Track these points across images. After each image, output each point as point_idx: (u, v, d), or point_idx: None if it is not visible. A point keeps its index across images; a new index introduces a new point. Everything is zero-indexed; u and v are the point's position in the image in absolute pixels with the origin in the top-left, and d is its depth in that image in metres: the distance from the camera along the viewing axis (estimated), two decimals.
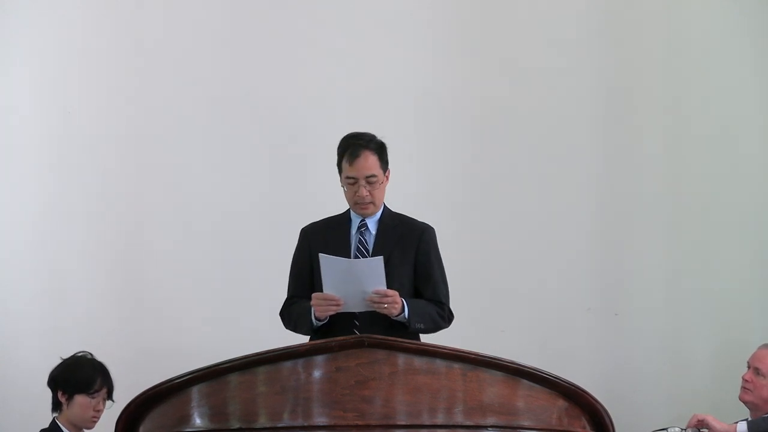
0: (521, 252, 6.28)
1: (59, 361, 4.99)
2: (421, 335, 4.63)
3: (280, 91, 6.24)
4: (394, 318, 4.54)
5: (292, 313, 4.71)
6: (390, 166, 4.73)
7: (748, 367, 5.25)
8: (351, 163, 4.65)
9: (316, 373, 3.84)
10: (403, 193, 5.07)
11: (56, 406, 4.94)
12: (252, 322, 5.91)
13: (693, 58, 6.35)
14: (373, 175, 4.66)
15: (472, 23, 6.35)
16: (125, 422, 4.11)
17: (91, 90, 6.16)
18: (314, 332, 4.58)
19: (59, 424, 4.92)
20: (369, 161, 4.65)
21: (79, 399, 4.90)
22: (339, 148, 4.72)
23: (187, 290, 6.13)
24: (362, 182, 4.65)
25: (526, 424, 3.90)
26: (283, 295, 4.81)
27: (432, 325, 4.68)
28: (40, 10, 6.12)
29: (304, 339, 4.59)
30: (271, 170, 6.24)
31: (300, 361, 3.86)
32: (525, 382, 3.92)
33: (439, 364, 3.86)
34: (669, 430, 4.93)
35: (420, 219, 4.82)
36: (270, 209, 6.17)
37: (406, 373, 3.83)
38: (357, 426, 3.76)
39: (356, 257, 4.67)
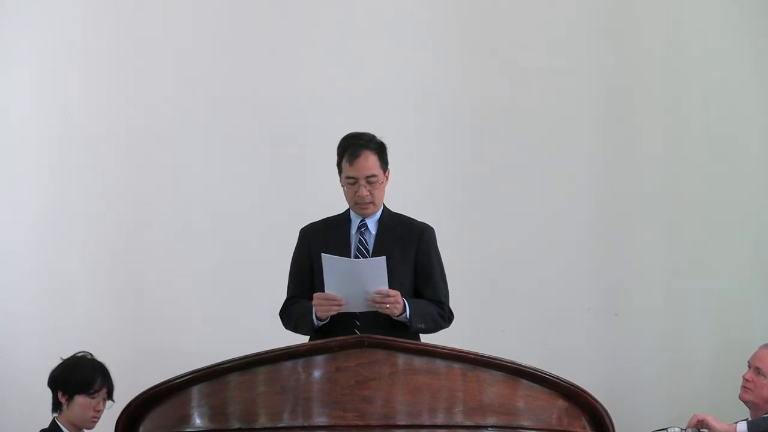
0: (521, 252, 6.28)
1: (59, 361, 4.99)
2: (421, 335, 4.63)
3: (280, 91, 6.24)
4: (396, 318, 4.54)
5: (293, 313, 4.71)
6: (390, 166, 4.73)
7: (749, 367, 5.25)
8: (351, 162, 4.65)
9: (316, 373, 3.84)
10: (403, 193, 5.08)
11: (56, 406, 4.94)
12: (252, 322, 5.91)
13: (693, 58, 6.35)
14: (374, 175, 4.66)
15: (472, 23, 6.35)
16: (125, 422, 4.11)
17: (91, 90, 6.16)
18: (315, 332, 4.58)
19: (59, 424, 4.92)
20: (369, 161, 4.65)
21: (79, 399, 4.90)
22: (339, 148, 4.72)
23: (187, 290, 6.13)
24: (362, 182, 4.65)
25: (526, 424, 3.90)
26: (282, 295, 4.81)
27: (433, 325, 4.69)
28: (40, 10, 6.12)
29: (304, 339, 4.59)
30: (271, 170, 6.24)
31: (300, 361, 3.86)
32: (525, 382, 3.92)
33: (439, 364, 3.86)
34: (669, 430, 4.93)
35: (420, 219, 4.83)
36: (270, 209, 6.17)
37: (406, 373, 3.83)
38: (357, 426, 3.76)
39: (356, 257, 4.67)
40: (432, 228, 4.81)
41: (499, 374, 3.89)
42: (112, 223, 6.14)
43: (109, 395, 4.96)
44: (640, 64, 6.38)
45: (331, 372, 3.83)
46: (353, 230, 4.75)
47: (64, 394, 4.91)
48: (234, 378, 3.90)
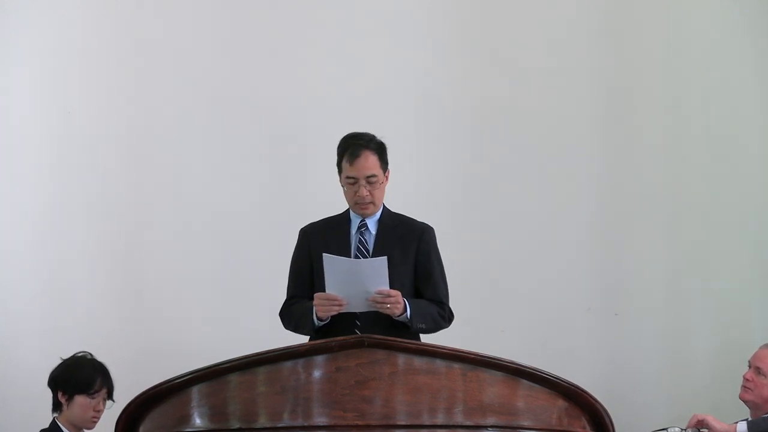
0: (521, 252, 6.28)
1: (59, 361, 4.99)
2: (421, 335, 4.63)
3: (280, 91, 6.24)
4: (396, 318, 4.55)
5: (293, 314, 4.71)
6: (390, 166, 4.73)
7: (749, 367, 5.25)
8: (351, 162, 4.65)
9: (316, 373, 3.84)
10: (403, 193, 5.08)
11: (56, 406, 4.94)
12: (252, 322, 5.91)
13: (693, 58, 6.35)
14: (374, 175, 4.66)
15: (472, 23, 6.35)
16: (125, 422, 4.11)
17: (91, 90, 6.16)
18: (315, 332, 4.58)
19: (59, 424, 4.92)
20: (369, 161, 4.65)
21: (79, 399, 4.90)
22: (339, 147, 4.72)
23: (187, 290, 6.13)
24: (362, 182, 4.65)
25: (526, 424, 3.90)
26: (282, 295, 4.81)
27: (433, 325, 4.69)
28: (40, 10, 6.12)
29: (304, 339, 4.59)
30: (271, 170, 6.24)
31: (300, 361, 3.86)
32: (525, 382, 3.92)
33: (439, 364, 3.86)
34: (669, 430, 4.93)
35: (420, 219, 4.83)
36: (270, 209, 6.17)
37: (406, 373, 3.83)
38: (357, 426, 3.76)
39: (356, 257, 4.67)
40: (432, 228, 4.81)
41: (499, 374, 3.89)
42: (112, 223, 6.14)
43: (109, 395, 4.96)
44: (640, 64, 6.38)
45: (331, 372, 3.83)
46: (353, 230, 4.75)
47: (64, 394, 4.91)
48: (234, 378, 3.90)
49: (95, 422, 4.95)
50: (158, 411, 4.04)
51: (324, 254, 4.48)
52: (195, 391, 3.95)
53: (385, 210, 4.77)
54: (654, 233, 6.32)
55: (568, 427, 4.00)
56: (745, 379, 5.22)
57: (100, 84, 6.16)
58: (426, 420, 3.80)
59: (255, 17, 6.25)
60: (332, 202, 4.85)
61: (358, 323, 4.56)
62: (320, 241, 4.71)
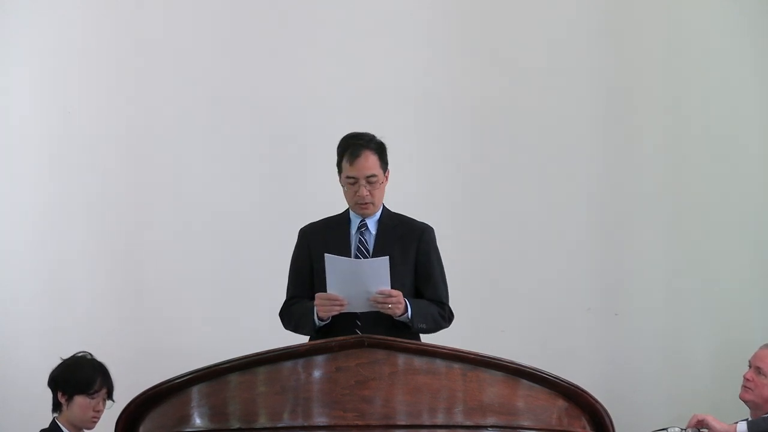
0: (521, 252, 6.28)
1: (59, 361, 4.99)
2: (421, 335, 4.63)
3: (280, 91, 6.24)
4: (397, 318, 4.55)
5: (293, 314, 4.71)
6: (390, 166, 4.73)
7: (750, 366, 5.25)
8: (351, 162, 4.65)
9: (316, 373, 3.84)
10: (403, 193, 5.08)
11: (56, 406, 4.94)
12: (252, 322, 5.91)
13: (693, 58, 6.35)
14: (374, 175, 4.66)
15: (472, 23, 6.35)
16: (125, 422, 4.11)
17: (91, 90, 6.16)
18: (316, 332, 4.58)
19: (59, 424, 4.92)
20: (369, 161, 4.65)
21: (79, 399, 4.90)
22: (339, 147, 4.72)
23: (187, 290, 6.13)
24: (362, 182, 4.65)
25: (526, 424, 3.90)
26: (282, 295, 4.80)
27: (433, 326, 4.69)
28: (40, 10, 6.12)
29: (304, 339, 4.59)
30: (271, 170, 6.24)
31: (300, 361, 3.86)
32: (525, 382, 3.92)
33: (439, 364, 3.86)
34: (669, 430, 4.93)
35: (420, 219, 4.83)
36: (270, 209, 6.17)
37: (406, 373, 3.83)
38: (357, 426, 3.76)
39: (356, 257, 4.67)
40: (432, 228, 4.81)
41: (499, 374, 3.89)
42: (112, 223, 6.14)
43: (109, 395, 4.96)
44: (640, 64, 6.38)
45: (331, 372, 3.83)
46: (353, 230, 4.75)
47: (63, 395, 4.91)
48: (234, 378, 3.90)
49: (95, 422, 4.95)
50: (158, 411, 4.04)
51: (326, 254, 4.48)
52: (195, 391, 3.95)
53: (385, 210, 4.78)
54: (654, 233, 6.32)
55: (568, 427, 4.00)
56: (746, 379, 5.22)
57: (100, 84, 6.16)
58: (426, 420, 3.80)
59: (255, 17, 6.25)
60: (332, 202, 4.85)
61: (359, 323, 4.56)
62: (320, 241, 4.71)
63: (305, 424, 3.80)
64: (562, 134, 6.32)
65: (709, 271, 6.28)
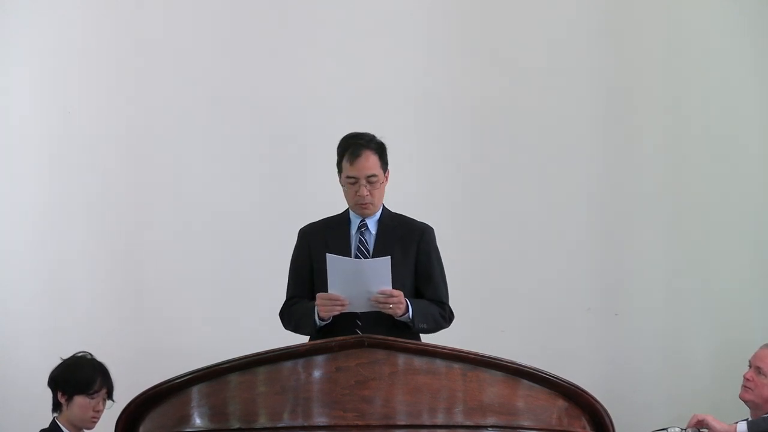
0: (521, 252, 6.28)
1: (59, 361, 4.99)
2: (421, 335, 4.63)
3: (280, 91, 6.24)
4: (398, 318, 4.55)
5: (294, 314, 4.71)
6: (390, 166, 4.73)
7: (750, 366, 5.25)
8: (352, 162, 4.65)
9: (316, 373, 3.84)
10: (403, 193, 5.08)
11: (56, 406, 4.94)
12: (252, 322, 5.91)
13: (693, 58, 6.35)
14: (374, 175, 4.66)
15: (472, 23, 6.35)
16: (125, 422, 4.11)
17: (91, 90, 6.16)
18: (317, 332, 4.58)
19: (59, 424, 4.92)
20: (370, 161, 4.65)
21: (79, 400, 4.89)
22: (339, 147, 4.72)
23: (187, 290, 6.13)
24: (363, 182, 4.65)
25: (526, 424, 3.90)
26: (282, 295, 4.80)
27: (434, 326, 4.69)
28: (40, 10, 6.12)
29: (304, 339, 4.59)
30: (271, 170, 6.24)
31: (300, 361, 3.86)
32: (525, 382, 3.92)
33: (439, 364, 3.86)
34: (669, 430, 4.93)
35: (420, 219, 4.83)
36: (270, 209, 6.17)
37: (406, 373, 3.83)
38: (357, 426, 3.76)
39: (356, 257, 4.67)
40: (432, 228, 4.81)
41: (499, 374, 3.89)
42: (112, 223, 6.14)
43: (109, 395, 4.96)
44: (640, 64, 6.38)
45: (331, 372, 3.83)
46: (353, 230, 4.75)
47: (63, 395, 4.91)
48: (234, 378, 3.90)
49: (95, 422, 4.95)
50: (158, 411, 4.04)
51: (327, 255, 4.48)
52: (195, 391, 3.95)
53: (385, 210, 4.78)
54: (654, 233, 6.32)
55: (568, 427, 4.00)
56: (746, 379, 5.23)
57: (100, 84, 6.16)
58: (426, 420, 3.80)
59: (255, 17, 6.25)
60: (332, 202, 4.85)
61: (359, 323, 4.56)
62: (320, 241, 4.71)
63: (305, 424, 3.80)
64: (562, 134, 6.32)
65: (709, 271, 6.28)
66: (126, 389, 4.53)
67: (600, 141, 6.35)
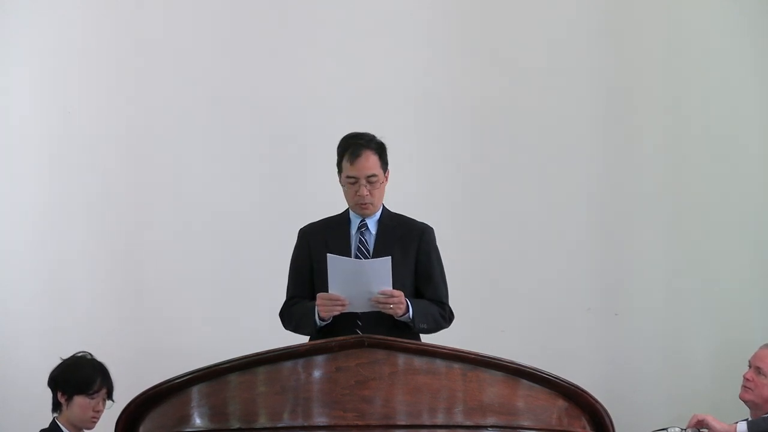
0: (521, 252, 6.28)
1: (59, 361, 4.99)
2: (421, 335, 4.63)
3: (280, 91, 6.24)
4: (399, 318, 4.55)
5: (294, 314, 4.71)
6: (390, 166, 4.73)
7: (750, 367, 5.25)
8: (352, 162, 4.65)
9: (316, 373, 3.84)
10: (403, 193, 5.08)
11: (56, 406, 4.94)
12: (252, 322, 5.91)
13: (693, 58, 6.35)
14: (374, 175, 4.66)
15: (472, 23, 6.35)
16: (125, 422, 4.11)
17: (91, 90, 6.16)
18: (317, 332, 4.58)
19: (59, 424, 4.92)
20: (370, 161, 4.65)
21: (79, 400, 4.89)
22: (339, 147, 4.72)
23: (187, 290, 6.13)
24: (363, 182, 4.65)
25: (526, 424, 3.90)
26: (282, 295, 4.80)
27: (434, 326, 4.69)
28: (40, 10, 6.12)
29: (304, 339, 4.59)
30: (271, 170, 6.24)
31: (300, 361, 3.86)
32: (525, 382, 3.92)
33: (439, 364, 3.86)
34: (669, 430, 4.93)
35: (420, 219, 4.83)
36: (270, 209, 6.17)
37: (406, 373, 3.83)
38: (357, 426, 3.76)
39: (356, 257, 4.67)
40: (432, 228, 4.81)
41: (499, 374, 3.89)
42: (112, 223, 6.14)
43: (109, 395, 4.95)
44: (640, 64, 6.38)
45: (331, 372, 3.83)
46: (353, 230, 4.75)
47: (63, 394, 4.91)
48: (234, 378, 3.90)
49: (95, 422, 4.95)
50: (158, 411, 4.04)
51: (328, 255, 4.48)
52: (195, 391, 3.95)
53: (385, 210, 4.78)
54: (654, 233, 6.32)
55: (568, 427, 4.00)
56: (745, 379, 5.22)
57: (100, 84, 6.16)
58: (426, 420, 3.80)
59: (255, 17, 6.25)
60: (332, 202, 4.85)
61: (360, 323, 4.56)
62: (320, 241, 4.71)
63: (305, 424, 3.80)
64: (562, 134, 6.32)
65: (709, 271, 6.28)
66: (126, 389, 4.53)
67: (600, 141, 6.35)
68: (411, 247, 4.72)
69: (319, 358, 3.85)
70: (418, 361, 3.85)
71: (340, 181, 4.73)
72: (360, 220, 4.74)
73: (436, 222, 4.87)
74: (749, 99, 6.33)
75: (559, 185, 6.31)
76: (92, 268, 6.10)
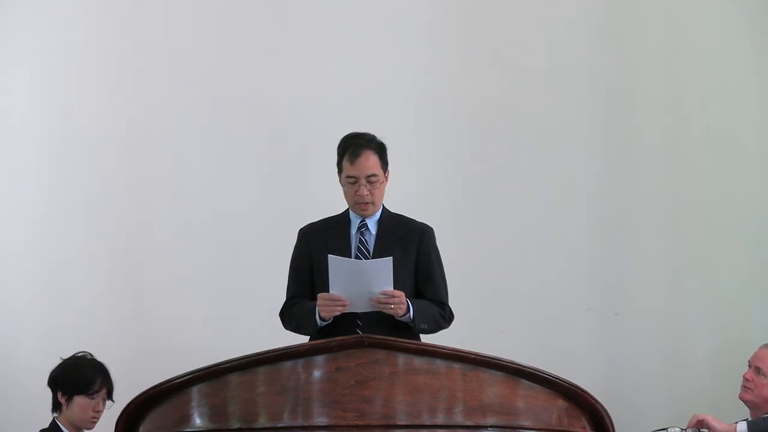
0: (521, 252, 6.28)
1: (59, 361, 4.99)
2: (421, 335, 4.63)
3: (280, 91, 6.24)
4: (399, 318, 4.55)
5: (294, 314, 4.71)
6: (390, 166, 4.73)
7: (749, 367, 5.25)
8: (352, 162, 4.65)
9: (316, 373, 3.84)
10: (403, 193, 5.08)
11: (56, 406, 4.94)
12: (252, 322, 5.91)
13: (693, 58, 6.36)
14: (374, 175, 4.66)
15: (472, 23, 6.35)
16: (125, 422, 4.11)
17: (91, 90, 6.16)
18: (317, 332, 4.58)
19: (59, 424, 4.92)
20: (370, 161, 4.65)
21: (79, 400, 4.89)
22: (339, 147, 4.73)
23: (187, 290, 6.13)
24: (363, 181, 4.65)
25: (526, 424, 3.90)
26: (282, 295, 4.80)
27: (434, 326, 4.69)
28: (40, 10, 6.12)
29: (304, 339, 4.59)
30: (271, 170, 6.24)
31: (300, 361, 3.86)
32: (525, 382, 3.92)
33: (439, 364, 3.86)
34: (669, 430, 4.93)
35: (420, 219, 4.83)
36: (270, 209, 6.18)
37: (406, 373, 3.83)
38: (357, 426, 3.76)
39: (356, 257, 4.67)
40: (431, 228, 4.81)
41: (499, 374, 3.89)
42: (112, 223, 6.14)
43: (109, 395, 4.96)
44: (640, 64, 6.38)
45: (331, 372, 3.83)
46: (353, 230, 4.75)
47: (63, 394, 4.91)
48: (234, 378, 3.90)
49: (95, 422, 4.95)
50: (158, 411, 4.04)
51: (329, 255, 4.48)
52: (195, 391, 3.95)
53: (385, 210, 4.78)
54: (654, 233, 6.32)
55: (568, 427, 4.00)
56: (745, 379, 5.23)
57: (100, 84, 6.16)
58: (426, 420, 3.80)
59: (255, 17, 6.25)
60: (332, 202, 4.85)
61: (360, 323, 4.56)
62: (320, 241, 4.71)
63: (305, 424, 3.80)
64: (562, 134, 6.32)
65: (709, 271, 6.28)
66: (126, 389, 4.53)
67: (600, 141, 6.35)
68: (411, 247, 4.72)
69: (319, 358, 3.85)
70: (418, 361, 3.85)
71: (340, 181, 4.73)
72: (360, 220, 4.74)
73: (436, 222, 4.87)
74: (749, 99, 6.33)
75: (559, 185, 6.31)
76: (92, 268, 6.10)
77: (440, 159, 6.29)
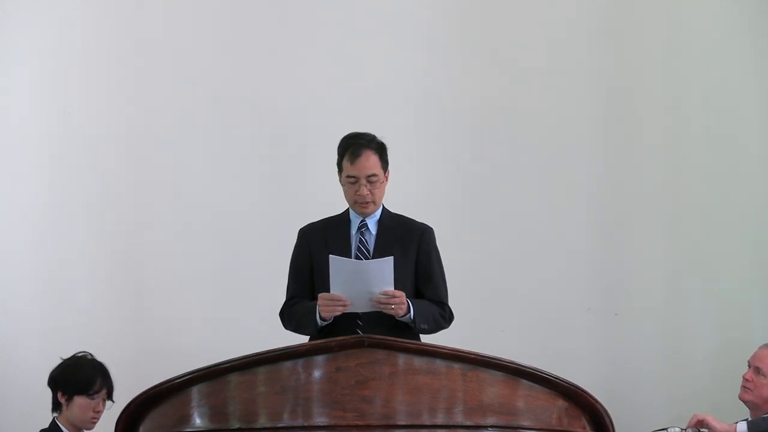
0: (521, 252, 6.28)
1: (59, 361, 4.99)
2: (421, 335, 4.63)
3: (280, 91, 6.24)
4: (400, 319, 4.55)
5: (294, 314, 4.71)
6: (390, 166, 4.73)
7: (749, 367, 5.25)
8: (352, 162, 4.65)
9: (316, 373, 3.84)
10: (403, 193, 5.08)
11: (56, 406, 4.94)
12: (252, 322, 5.91)
13: (693, 58, 6.36)
14: (374, 174, 4.66)
15: (472, 23, 6.35)
16: (125, 422, 4.11)
17: (91, 90, 6.16)
18: (318, 332, 4.58)
19: (59, 424, 4.92)
20: (370, 161, 4.66)
21: (79, 400, 4.89)
22: (339, 147, 4.73)
23: (187, 290, 6.13)
24: (363, 181, 4.66)
25: (526, 424, 3.90)
26: (282, 295, 4.80)
27: (434, 326, 4.69)
28: (40, 10, 6.12)
29: (304, 339, 4.59)
30: (271, 170, 6.24)
31: (300, 361, 3.86)
32: (525, 382, 3.92)
33: (439, 364, 3.86)
34: (669, 430, 4.93)
35: (420, 219, 4.83)
36: (270, 209, 6.18)
37: (406, 373, 3.83)
38: (357, 426, 3.76)
39: (357, 257, 4.68)
40: (431, 228, 4.81)
41: (499, 374, 3.89)
42: (112, 223, 6.14)
43: (109, 395, 4.95)
44: (640, 64, 6.38)
45: (331, 372, 3.83)
46: (353, 230, 4.75)
47: (63, 395, 4.90)
48: (234, 378, 3.90)
49: (95, 422, 4.95)
50: (158, 411, 4.04)
51: (330, 256, 4.49)
52: (195, 391, 3.95)
53: (385, 211, 4.78)
54: (654, 233, 6.32)
55: (568, 427, 4.00)
56: (745, 379, 5.23)
57: (100, 84, 6.16)
58: (426, 420, 3.80)
59: (255, 17, 6.25)
60: (332, 202, 4.85)
61: (360, 323, 4.56)
62: (320, 241, 4.71)
63: (305, 424, 3.80)
64: (562, 134, 6.33)
65: (709, 271, 6.28)
66: (126, 389, 4.53)
67: (600, 141, 6.35)
68: (411, 247, 4.73)
69: (319, 358, 3.85)
70: (418, 361, 3.85)
71: (341, 181, 4.73)
72: (360, 220, 4.74)
73: (436, 222, 4.87)
74: (749, 99, 6.33)
75: (559, 185, 6.31)
76: (92, 268, 6.10)
77: (440, 159, 6.29)
